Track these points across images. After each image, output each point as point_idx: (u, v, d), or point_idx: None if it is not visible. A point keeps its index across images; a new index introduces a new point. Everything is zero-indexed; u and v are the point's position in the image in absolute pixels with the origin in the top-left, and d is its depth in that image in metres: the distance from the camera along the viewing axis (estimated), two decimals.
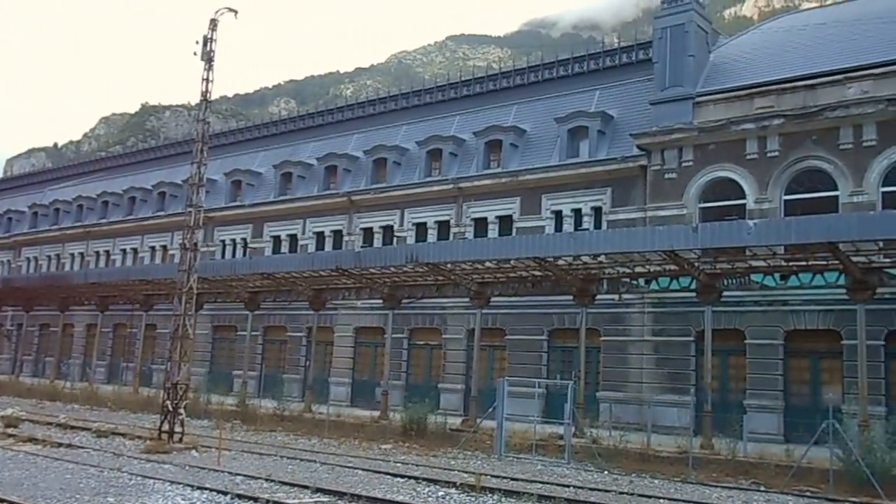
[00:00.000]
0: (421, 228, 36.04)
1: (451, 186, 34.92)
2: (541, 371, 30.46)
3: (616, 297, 26.83)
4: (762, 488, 17.57)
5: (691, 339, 27.17)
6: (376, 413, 28.47)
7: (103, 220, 52.34)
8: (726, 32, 37.98)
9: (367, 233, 37.94)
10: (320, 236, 39.93)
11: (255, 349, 39.40)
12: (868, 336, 21.10)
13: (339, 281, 30.08)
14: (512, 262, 24.59)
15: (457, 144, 36.58)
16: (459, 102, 39.46)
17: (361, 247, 36.28)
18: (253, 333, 36.56)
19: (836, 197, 25.52)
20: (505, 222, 33.26)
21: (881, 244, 19.75)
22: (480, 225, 34.02)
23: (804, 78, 26.97)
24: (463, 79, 40.61)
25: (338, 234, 39.22)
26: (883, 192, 24.86)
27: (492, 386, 27.94)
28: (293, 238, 41.09)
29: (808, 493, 17.00)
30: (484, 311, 27.87)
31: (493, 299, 27.84)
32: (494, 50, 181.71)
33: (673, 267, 22.64)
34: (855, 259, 20.16)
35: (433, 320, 34.47)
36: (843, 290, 21.16)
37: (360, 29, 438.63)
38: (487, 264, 25.30)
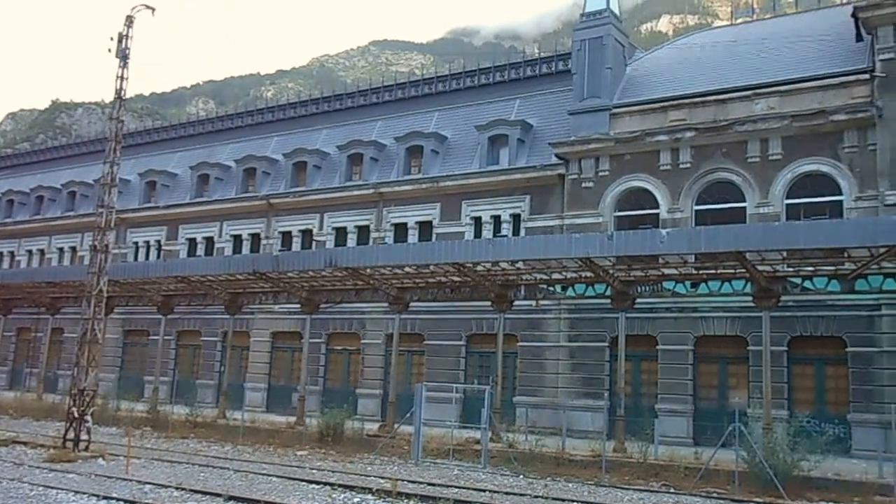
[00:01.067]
0: (341, 233, 35.88)
1: (371, 191, 34.87)
2: (459, 376, 30.67)
3: (533, 303, 27.22)
4: (672, 490, 18.05)
5: (606, 344, 27.80)
6: (292, 419, 28.16)
7: (8, 220, 50.38)
8: (643, 47, 39.02)
9: (286, 237, 37.55)
10: (237, 239, 39.34)
11: (167, 354, 38.50)
12: (772, 342, 21.88)
13: (257, 285, 29.68)
14: (431, 267, 24.68)
15: (378, 149, 36.56)
16: (381, 108, 39.45)
17: (280, 251, 35.87)
18: (166, 338, 35.72)
19: (744, 208, 26.49)
20: (425, 228, 33.41)
21: (785, 254, 20.55)
22: (400, 230, 34.07)
23: (715, 93, 27.94)
24: (385, 84, 40.58)
25: (256, 238, 38.70)
26: (787, 204, 25.91)
27: (410, 391, 28.00)
28: (209, 241, 40.36)
29: (714, 495, 17.54)
30: (403, 316, 27.91)
31: (412, 304, 27.89)
32: (417, 56, 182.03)
33: (589, 274, 23.08)
34: (760, 268, 20.88)
35: (352, 325, 34.33)
36: (750, 298, 21.88)
37: (283, 31, 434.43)
38: (407, 269, 25.34)
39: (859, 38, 26.53)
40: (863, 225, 20.28)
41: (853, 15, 25.84)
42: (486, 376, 28.92)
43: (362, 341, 33.98)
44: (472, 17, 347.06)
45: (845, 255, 20.72)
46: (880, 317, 23.66)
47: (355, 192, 35.47)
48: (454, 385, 27.66)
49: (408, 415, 23.29)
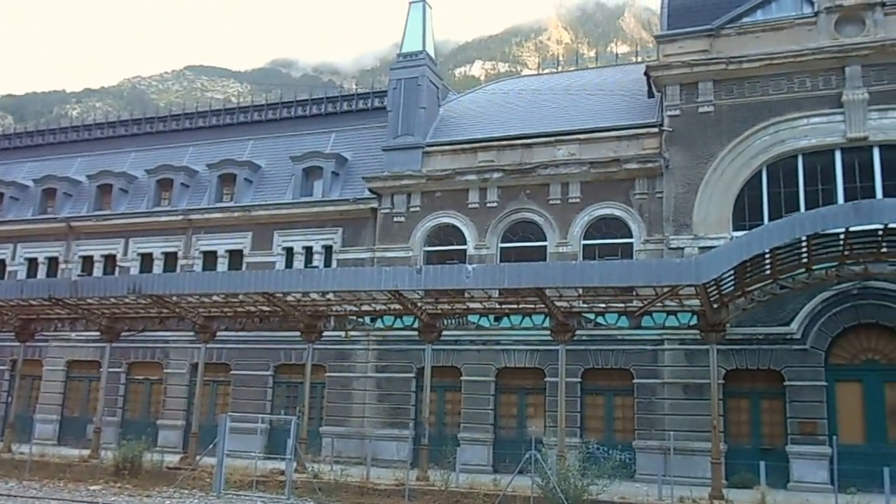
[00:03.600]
0: (147, 259, 34.55)
1: (180, 218, 33.90)
2: (265, 406, 30.25)
3: (343, 333, 27.43)
4: None
5: (412, 375, 28.39)
6: (87, 452, 26.65)
7: None
8: (456, 89, 40.48)
9: (87, 261, 35.65)
10: (33, 263, 36.88)
11: None
12: (567, 374, 23.18)
13: (52, 311, 27.96)
14: (240, 296, 24.32)
15: (189, 175, 35.65)
16: (194, 133, 38.53)
17: (79, 275, 34.00)
18: None
19: (545, 246, 28.02)
20: (235, 256, 32.85)
21: (580, 291, 21.96)
22: (210, 258, 33.30)
23: (522, 137, 29.52)
24: (200, 110, 39.71)
25: (53, 262, 36.46)
26: (584, 244, 27.66)
27: (214, 422, 27.21)
28: (1, 263, 37.58)
29: None
30: (209, 345, 27.21)
31: (219, 334, 27.26)
32: (234, 84, 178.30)
33: (398, 306, 23.57)
34: (558, 303, 22.13)
35: (155, 354, 33.03)
36: (548, 332, 23.05)
37: (92, 49, 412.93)
38: (215, 298, 24.83)
39: (651, 94, 28.93)
40: (649, 266, 21.97)
41: (646, 73, 28.13)
42: (294, 406, 28.69)
43: (165, 371, 32.76)
44: (292, 49, 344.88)
45: (634, 293, 22.45)
46: (663, 351, 25.66)
47: (163, 218, 34.34)
48: (260, 415, 27.24)
49: (211, 446, 22.68)
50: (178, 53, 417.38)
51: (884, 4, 25.38)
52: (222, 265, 32.80)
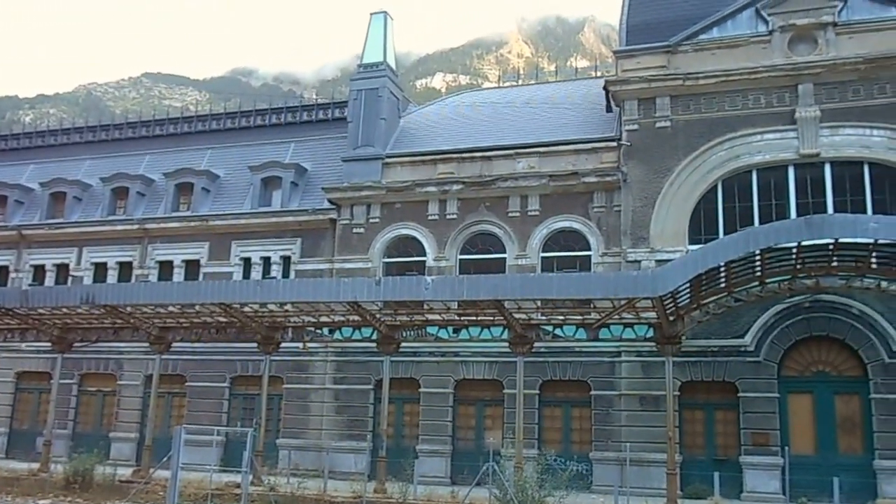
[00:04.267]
0: (101, 269, 33.97)
1: (136, 227, 33.42)
2: (221, 419, 29.92)
3: (300, 345, 27.24)
4: None
5: (371, 387, 28.27)
6: (36, 465, 26.07)
7: None
8: (417, 101, 40.63)
9: (39, 270, 34.93)
10: None
11: None
12: (525, 385, 23.29)
13: (2, 321, 27.35)
14: (197, 307, 24.06)
15: (145, 184, 35.19)
16: (151, 141, 38.04)
17: (30, 285, 33.32)
18: None
19: (504, 259, 28.13)
20: (192, 267, 32.47)
21: (539, 303, 22.10)
22: (166, 268, 32.86)
23: (482, 150, 29.65)
24: (157, 118, 39.24)
25: (3, 271, 35.64)
26: (542, 257, 27.82)
27: (169, 434, 26.76)
28: None
29: None
30: (164, 356, 26.84)
31: (174, 345, 26.93)
32: (193, 92, 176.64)
33: (356, 318, 23.49)
34: (517, 315, 22.24)
35: (108, 365, 32.46)
36: (507, 344, 23.15)
37: (46, 54, 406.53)
38: (171, 309, 24.52)
39: (609, 108, 29.27)
40: (607, 279, 22.19)
41: (604, 88, 28.46)
42: (250, 419, 28.43)
43: (119, 382, 32.21)
44: (252, 58, 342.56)
45: (592, 305, 22.68)
46: (620, 363, 25.86)
47: (119, 227, 33.82)
48: (216, 428, 26.91)
49: (165, 459, 22.30)
50: (136, 60, 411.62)
51: (835, 24, 25.99)
52: (178, 275, 32.37)
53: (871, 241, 18.99)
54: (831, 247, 19.63)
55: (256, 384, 27.81)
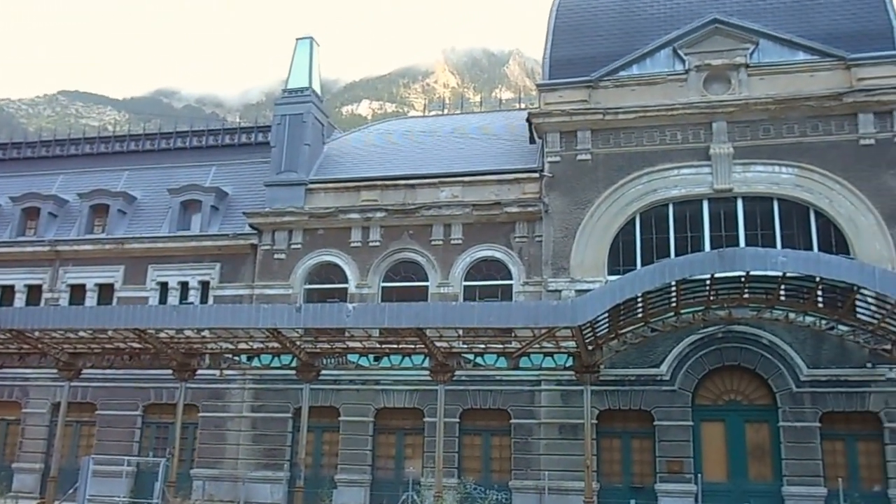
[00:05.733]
0: (7, 292, 32.62)
1: (47, 249, 32.29)
2: (133, 448, 28.95)
3: (218, 372, 26.64)
4: None
5: (289, 415, 27.81)
6: None
7: None
8: (343, 127, 40.57)
9: None
10: None
11: None
12: (446, 414, 23.24)
13: None
14: (110, 332, 23.30)
15: (58, 205, 34.08)
16: (66, 161, 36.90)
17: None
18: None
19: (427, 287, 28.15)
20: (105, 291, 31.49)
21: (460, 331, 22.12)
22: (78, 292, 31.78)
23: (406, 178, 29.72)
24: (73, 137, 38.11)
25: None
26: (465, 285, 27.93)
27: (76, 465, 25.88)
28: None
29: None
30: (73, 383, 25.85)
31: (85, 371, 26.00)
32: (112, 112, 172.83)
33: (276, 344, 23.11)
34: (439, 344, 22.21)
35: (12, 392, 31.09)
36: (428, 372, 23.09)
37: None
38: (82, 334, 23.70)
39: (532, 140, 29.71)
40: (527, 308, 22.28)
41: (528, 120, 28.88)
42: (163, 448, 27.61)
43: (24, 410, 30.85)
44: (175, 79, 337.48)
45: (513, 334, 22.82)
46: (540, 391, 26.07)
47: (28, 249, 32.61)
48: (126, 457, 26.05)
49: (71, 490, 21.50)
50: (52, 77, 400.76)
51: (747, 66, 27.03)
52: (91, 300, 31.36)
53: (780, 274, 19.68)
54: (743, 279, 20.26)
55: (170, 412, 27.05)
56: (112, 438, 29.27)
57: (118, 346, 24.84)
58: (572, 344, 21.92)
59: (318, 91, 33.24)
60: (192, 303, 29.64)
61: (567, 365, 22.85)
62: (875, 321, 20.71)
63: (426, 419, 26.53)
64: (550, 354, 22.94)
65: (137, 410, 29.67)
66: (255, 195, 31.54)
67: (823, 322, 22.05)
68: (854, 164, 25.53)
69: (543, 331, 20.90)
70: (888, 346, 21.26)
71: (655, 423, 24.98)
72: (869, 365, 23.85)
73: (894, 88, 25.51)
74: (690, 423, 24.78)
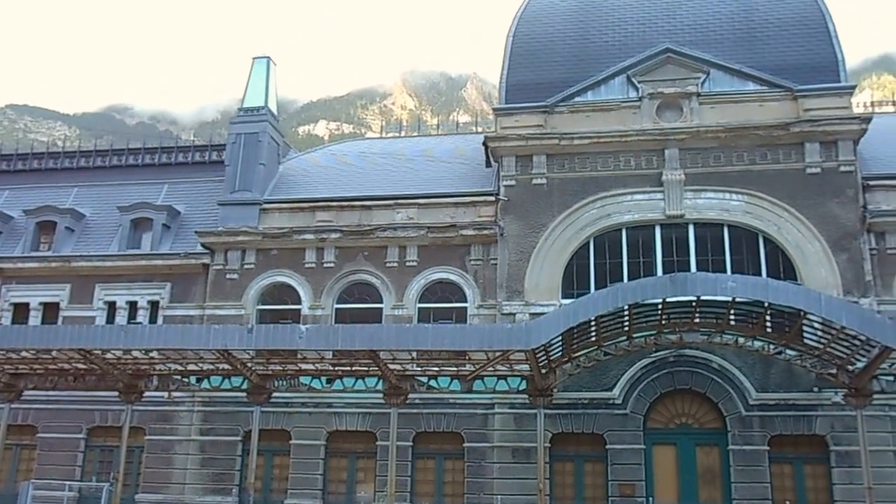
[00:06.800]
0: None
1: None
2: (75, 472, 28.14)
3: (166, 394, 26.07)
4: None
5: (239, 438, 27.35)
6: None
7: None
8: (299, 147, 40.35)
9: None
10: None
11: None
12: (399, 437, 23.03)
13: None
14: (54, 352, 22.69)
15: (3, 221, 33.27)
16: (12, 176, 36.07)
17: None
18: None
19: (381, 309, 28.00)
20: (51, 310, 30.74)
21: (414, 354, 22.01)
22: (21, 311, 30.95)
23: (361, 199, 29.62)
24: (20, 152, 37.36)
25: None
26: (419, 308, 27.85)
27: (15, 490, 25.11)
28: None
29: None
30: (13, 405, 25.09)
31: (26, 393, 25.25)
32: (62, 127, 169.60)
33: (226, 366, 22.73)
34: (392, 366, 22.06)
35: None
36: (381, 395, 22.89)
37: None
38: (24, 354, 23.01)
39: (489, 164, 29.83)
40: (481, 331, 22.19)
41: (484, 144, 29.02)
42: (108, 472, 26.92)
43: None
44: (129, 95, 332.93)
45: (466, 357, 22.75)
46: (493, 415, 26.01)
47: None
48: (68, 483, 25.32)
49: None
50: (0, 90, 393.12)
51: (699, 95, 27.54)
52: (35, 319, 30.56)
53: (730, 299, 19.96)
54: (694, 303, 20.50)
55: (116, 435, 26.41)
56: (53, 462, 28.43)
57: (62, 367, 24.20)
58: (526, 367, 21.93)
59: (275, 110, 33.04)
60: (140, 323, 29.08)
61: (520, 388, 22.85)
62: (821, 346, 21.07)
63: (379, 442, 26.28)
64: (504, 377, 22.92)
65: (81, 433, 28.90)
66: (208, 214, 31.15)
67: (772, 346, 22.37)
68: (801, 192, 26.10)
69: (497, 354, 20.87)
70: (834, 371, 21.61)
71: (608, 446, 25.07)
72: (815, 389, 24.29)
73: (839, 119, 26.21)
74: (642, 446, 24.92)
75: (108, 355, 22.65)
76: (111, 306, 30.38)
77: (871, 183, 26.26)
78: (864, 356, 20.45)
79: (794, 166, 26.46)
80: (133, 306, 30.17)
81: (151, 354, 22.91)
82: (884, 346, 18.92)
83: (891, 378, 21.65)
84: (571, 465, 25.62)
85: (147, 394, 24.95)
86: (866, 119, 26.36)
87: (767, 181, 26.39)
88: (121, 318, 29.96)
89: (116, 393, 24.54)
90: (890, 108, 32.74)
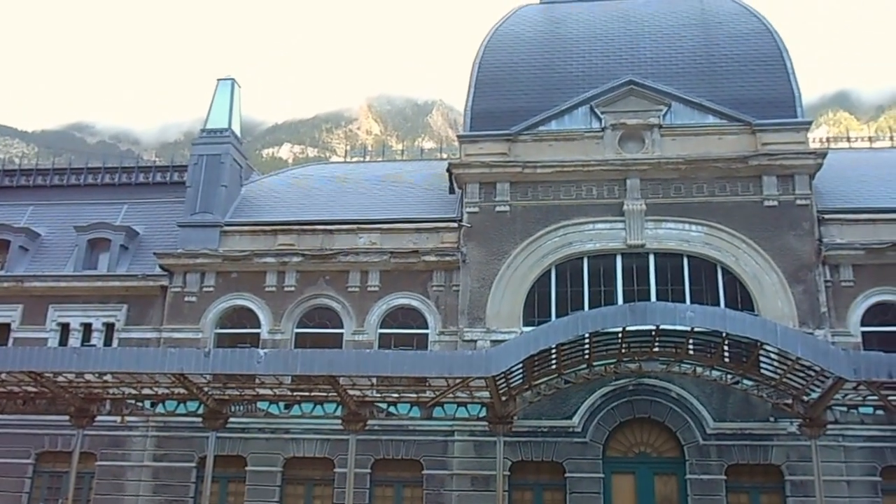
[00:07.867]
0: None
1: None
2: (22, 500, 27.37)
3: (119, 419, 25.54)
4: None
5: (193, 465, 26.83)
6: None
7: None
8: (263, 170, 40.07)
9: None
10: None
11: None
12: (357, 464, 22.80)
13: None
14: (3, 375, 22.11)
15: None
16: None
17: None
18: None
19: (342, 334, 27.78)
20: (1, 331, 30.04)
21: (374, 380, 21.88)
22: None
23: (324, 223, 29.47)
24: None
25: None
26: (380, 333, 27.67)
27: None
28: None
29: None
30: None
31: None
32: (20, 144, 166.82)
33: (182, 390, 22.32)
34: (351, 392, 21.84)
35: None
36: (340, 421, 22.65)
37: None
38: None
39: (452, 190, 29.90)
40: (442, 357, 22.19)
41: (448, 170, 29.10)
42: (56, 499, 26.23)
43: None
44: (90, 113, 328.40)
45: (427, 383, 22.61)
46: (453, 442, 25.86)
47: None
48: None
49: None
50: None
51: (660, 126, 27.94)
52: None
53: (689, 328, 20.12)
54: (653, 333, 20.62)
55: (66, 461, 25.75)
56: (0, 489, 27.67)
57: (11, 390, 23.57)
58: (486, 394, 21.84)
59: (239, 132, 32.84)
60: (94, 345, 28.52)
61: (481, 415, 22.76)
62: (777, 376, 21.31)
63: (337, 469, 25.96)
64: (464, 404, 22.82)
65: (29, 458, 28.13)
66: (168, 236, 30.75)
67: (729, 376, 22.58)
68: (759, 224, 26.50)
69: (457, 381, 20.77)
70: (789, 401, 21.86)
71: (567, 474, 25.02)
72: (772, 419, 24.53)
73: (795, 154, 26.74)
74: (601, 475, 24.92)
75: (60, 378, 22.12)
76: (65, 328, 29.76)
77: (827, 217, 26.77)
78: (818, 387, 20.73)
79: (753, 199, 26.88)
80: (87, 328, 29.59)
81: (105, 378, 22.41)
82: (837, 377, 19.18)
83: (844, 409, 21.97)
84: (531, 493, 25.51)
85: (99, 418, 24.37)
86: (822, 154, 26.92)
87: (726, 213, 26.77)
88: (74, 340, 29.36)
89: (67, 417, 23.95)
90: (845, 144, 33.43)
